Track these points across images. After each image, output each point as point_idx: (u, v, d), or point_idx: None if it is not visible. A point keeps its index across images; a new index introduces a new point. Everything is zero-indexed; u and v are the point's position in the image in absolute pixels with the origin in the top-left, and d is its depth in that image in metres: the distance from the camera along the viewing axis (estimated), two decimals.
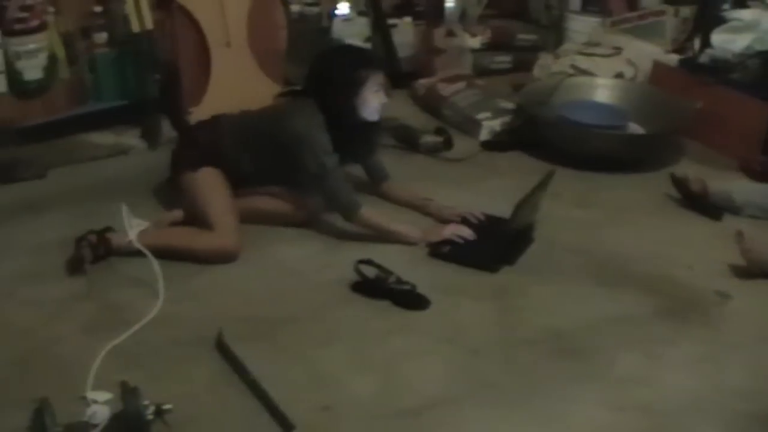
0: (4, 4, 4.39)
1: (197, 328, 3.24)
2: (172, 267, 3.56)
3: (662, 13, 5.80)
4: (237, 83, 4.94)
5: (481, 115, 5.03)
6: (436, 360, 3.13)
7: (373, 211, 3.85)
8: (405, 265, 3.59)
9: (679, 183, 4.21)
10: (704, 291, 3.57)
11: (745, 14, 4.87)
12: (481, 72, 5.80)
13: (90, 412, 2.64)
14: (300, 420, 2.77)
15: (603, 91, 5.14)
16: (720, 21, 4.93)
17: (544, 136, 4.75)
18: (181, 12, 4.86)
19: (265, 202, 3.92)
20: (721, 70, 4.83)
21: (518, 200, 3.63)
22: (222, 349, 3.13)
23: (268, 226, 3.91)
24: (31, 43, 4.49)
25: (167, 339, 3.20)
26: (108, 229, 3.70)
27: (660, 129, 4.77)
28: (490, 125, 4.96)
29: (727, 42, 4.83)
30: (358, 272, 3.49)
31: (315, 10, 5.61)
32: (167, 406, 2.69)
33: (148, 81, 4.79)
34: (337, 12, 5.62)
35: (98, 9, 4.74)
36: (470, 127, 5.01)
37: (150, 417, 2.66)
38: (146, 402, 2.66)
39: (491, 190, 4.33)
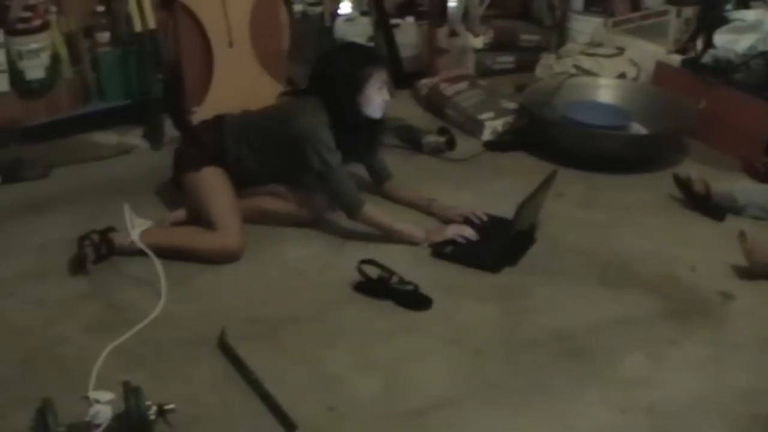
0: (7, 3, 4.39)
1: (200, 328, 3.24)
2: (175, 267, 3.56)
3: (665, 13, 5.79)
4: (240, 83, 4.95)
5: (483, 116, 5.02)
6: (440, 360, 3.13)
7: (376, 210, 3.85)
8: (409, 265, 3.59)
9: (682, 183, 4.21)
10: (707, 292, 3.56)
11: (748, 14, 4.86)
12: (484, 72, 5.80)
13: (92, 412, 2.64)
14: (304, 420, 2.78)
15: (606, 91, 5.14)
16: (723, 21, 4.92)
17: (547, 137, 4.75)
18: (184, 12, 4.86)
19: (268, 202, 3.92)
20: (723, 70, 4.82)
21: (521, 201, 3.63)
22: (224, 349, 3.13)
23: (271, 226, 3.91)
24: (33, 42, 4.49)
25: (170, 339, 3.20)
26: (110, 228, 3.70)
27: (663, 129, 4.77)
28: (493, 125, 4.96)
29: (730, 42, 4.82)
30: (361, 272, 3.48)
31: (318, 9, 5.60)
32: (169, 406, 2.70)
33: (151, 81, 4.79)
34: (339, 12, 5.61)
35: (101, 8, 4.74)
36: (473, 127, 5.01)
37: (152, 417, 2.66)
38: (148, 402, 2.66)
39: (494, 190, 4.33)
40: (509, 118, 5.00)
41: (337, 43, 5.29)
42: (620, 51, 5.52)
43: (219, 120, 4.00)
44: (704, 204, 4.14)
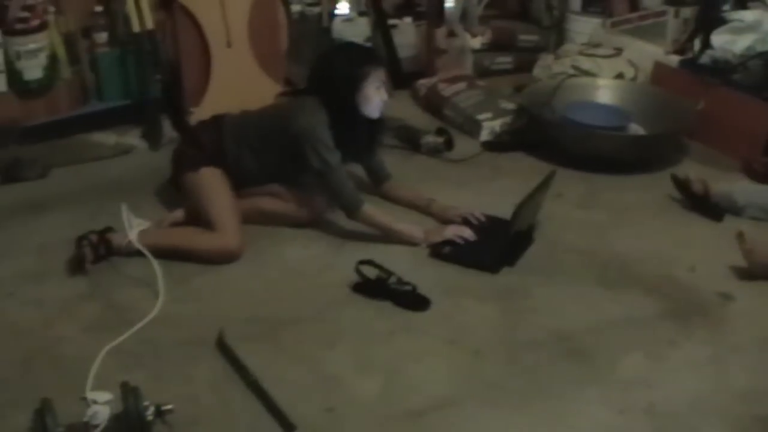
0: (6, 3, 4.39)
1: (199, 329, 3.24)
2: (174, 267, 3.57)
3: (663, 13, 5.79)
4: (238, 83, 4.95)
5: (482, 116, 5.02)
6: (439, 361, 3.13)
7: (376, 209, 3.85)
8: (408, 265, 3.59)
9: (681, 184, 4.21)
10: (706, 292, 3.56)
11: (746, 15, 4.86)
12: (482, 72, 5.80)
13: (90, 413, 2.64)
14: (303, 421, 2.77)
15: (604, 91, 5.14)
16: (721, 22, 4.92)
17: (546, 137, 4.75)
18: (183, 12, 4.86)
19: (267, 202, 3.92)
20: (721, 70, 4.82)
21: (519, 201, 3.63)
22: (223, 349, 3.12)
23: (271, 227, 3.91)
24: (31, 42, 4.50)
25: (169, 339, 3.20)
26: (109, 229, 3.70)
27: (661, 130, 4.77)
28: (491, 126, 4.96)
29: (728, 43, 4.82)
30: (359, 273, 3.48)
31: (316, 10, 5.61)
32: (168, 407, 2.70)
33: (150, 81, 4.79)
34: (337, 12, 5.61)
35: (99, 9, 4.75)
36: (471, 127, 5.01)
37: (150, 418, 2.66)
38: (147, 403, 2.66)
39: (492, 190, 4.33)
40: (508, 119, 5.00)
41: (336, 44, 5.30)
42: (618, 51, 5.52)
43: (218, 120, 4.00)
44: (703, 204, 4.13)
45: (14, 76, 4.52)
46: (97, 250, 3.62)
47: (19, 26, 4.44)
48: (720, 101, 4.72)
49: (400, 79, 5.51)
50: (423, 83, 5.49)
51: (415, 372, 3.07)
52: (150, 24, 4.70)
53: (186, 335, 3.23)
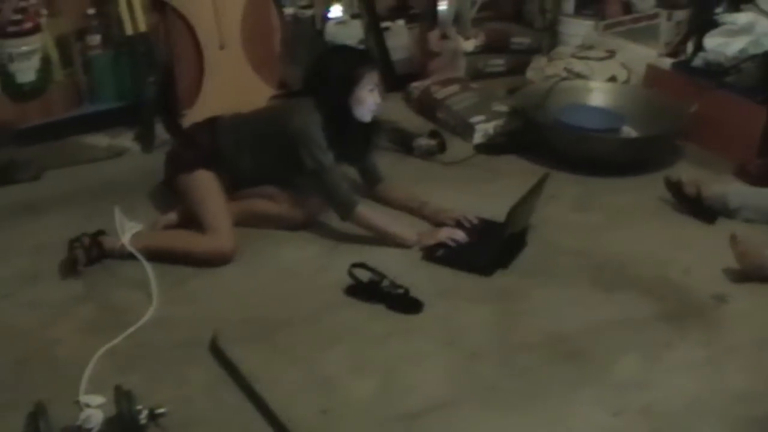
0: None
1: (193, 331, 3.24)
2: (168, 269, 3.57)
3: (656, 16, 5.80)
4: (231, 86, 4.94)
5: (475, 119, 5.02)
6: (435, 363, 3.13)
7: (370, 211, 3.85)
8: (401, 268, 3.59)
9: (673, 186, 4.21)
10: (701, 294, 3.56)
11: (739, 18, 4.86)
12: (476, 75, 5.80)
13: (83, 416, 2.64)
14: (298, 423, 2.77)
15: (597, 94, 5.14)
16: (714, 24, 4.92)
17: (539, 140, 4.75)
18: (175, 14, 4.84)
19: (261, 205, 3.92)
20: (714, 73, 4.83)
21: (513, 203, 3.63)
22: (216, 352, 3.12)
23: (265, 229, 3.90)
24: (24, 45, 4.50)
25: (163, 341, 3.20)
26: (101, 232, 3.70)
27: (655, 132, 4.77)
28: (484, 128, 4.96)
29: (721, 45, 4.83)
30: (352, 276, 3.48)
31: (309, 12, 5.60)
32: (161, 410, 2.70)
33: (143, 83, 4.78)
34: (330, 15, 5.61)
35: (92, 11, 4.74)
36: (464, 130, 5.00)
37: (144, 421, 2.66)
38: (140, 406, 2.66)
39: (486, 193, 4.33)
40: (501, 121, 5.00)
41: (329, 46, 5.30)
42: (611, 54, 5.53)
43: (212, 122, 4.01)
44: (695, 207, 4.13)
45: (7, 79, 4.52)
46: (90, 253, 3.61)
47: (11, 29, 4.44)
48: (713, 104, 4.72)
49: (393, 81, 5.50)
50: (416, 86, 5.49)
51: (411, 374, 3.06)
52: (143, 26, 4.69)
53: (180, 337, 3.22)
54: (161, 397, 2.78)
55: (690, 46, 5.10)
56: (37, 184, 4.40)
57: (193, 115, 4.67)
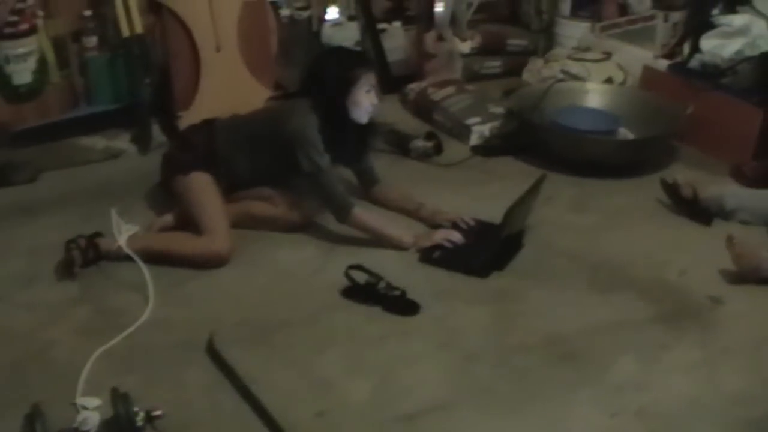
0: None
1: (190, 333, 3.24)
2: (164, 271, 3.57)
3: (652, 18, 5.81)
4: (227, 87, 4.94)
5: (471, 120, 5.02)
6: (432, 365, 3.13)
7: (366, 213, 3.85)
8: (397, 270, 3.59)
9: (669, 188, 4.21)
10: (697, 296, 3.56)
11: (735, 19, 4.87)
12: (472, 77, 5.80)
13: (80, 419, 2.64)
14: (295, 425, 2.77)
15: (593, 95, 5.14)
16: (710, 26, 4.93)
17: (535, 141, 4.75)
18: (172, 16, 4.84)
19: (258, 206, 3.92)
20: (710, 75, 4.83)
21: (509, 205, 3.63)
22: (213, 354, 3.12)
23: (261, 231, 3.90)
24: (20, 47, 4.48)
25: (160, 343, 3.19)
26: (97, 234, 3.69)
27: (651, 134, 4.77)
28: (481, 130, 4.96)
29: (717, 47, 4.83)
30: (349, 278, 3.48)
31: (305, 14, 5.60)
32: (157, 413, 2.69)
33: (139, 85, 4.78)
34: (327, 16, 5.61)
35: (88, 13, 4.73)
36: (460, 131, 5.00)
37: (140, 423, 2.66)
38: (136, 408, 2.66)
39: (482, 194, 4.33)
40: (497, 123, 5.00)
41: (326, 48, 5.30)
42: (608, 55, 5.53)
43: (208, 123, 4.01)
44: (692, 208, 4.14)
45: (3, 80, 4.51)
46: (86, 254, 3.61)
47: (8, 30, 4.43)
48: (709, 105, 4.72)
49: (390, 83, 5.51)
50: (412, 87, 5.49)
51: (407, 376, 3.06)
52: (139, 28, 4.69)
53: (177, 339, 3.22)
54: (158, 399, 2.78)
55: (686, 48, 5.10)
56: (34, 185, 4.39)
57: (190, 117, 4.66)
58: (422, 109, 5.33)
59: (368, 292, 3.44)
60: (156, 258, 3.61)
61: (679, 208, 4.18)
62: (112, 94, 4.88)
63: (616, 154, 4.72)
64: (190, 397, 2.94)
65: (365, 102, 3.82)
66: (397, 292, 3.44)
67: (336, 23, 5.60)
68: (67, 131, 4.73)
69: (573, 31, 5.91)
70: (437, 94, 5.30)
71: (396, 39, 5.80)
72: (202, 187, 3.80)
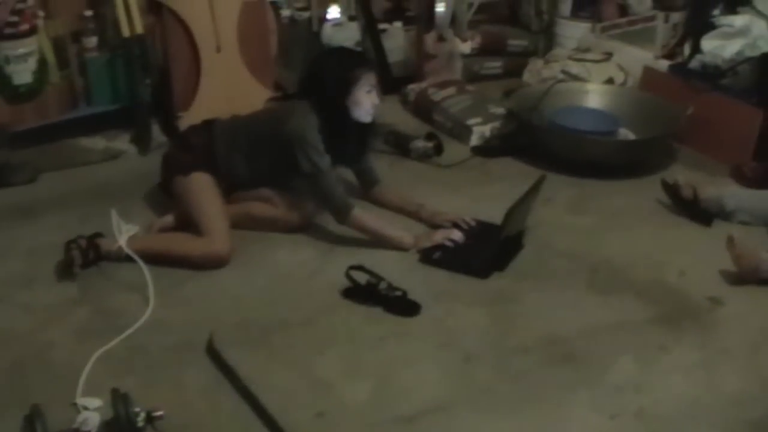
0: None
1: (190, 333, 3.24)
2: (164, 272, 3.56)
3: (653, 18, 5.81)
4: (227, 88, 4.94)
5: (471, 121, 5.02)
6: (431, 366, 3.12)
7: (366, 214, 3.85)
8: (398, 271, 3.59)
9: (670, 189, 4.21)
10: (696, 297, 3.56)
11: (736, 20, 4.86)
12: (472, 77, 5.81)
13: (80, 419, 2.64)
14: (294, 426, 2.77)
15: (593, 96, 5.14)
16: (710, 27, 4.93)
17: (536, 142, 4.75)
18: (172, 16, 4.84)
19: (258, 208, 3.92)
20: (711, 75, 4.83)
21: (509, 206, 3.62)
22: (212, 354, 3.12)
23: (261, 232, 3.90)
24: (21, 47, 4.48)
25: (160, 344, 3.19)
26: (98, 234, 3.69)
27: (651, 134, 4.77)
28: (481, 130, 4.96)
29: (718, 48, 4.83)
30: (349, 278, 3.48)
31: (305, 14, 5.60)
32: (158, 413, 2.70)
33: (139, 85, 4.78)
34: (327, 17, 5.61)
35: (89, 13, 4.73)
36: (461, 132, 5.01)
37: (141, 424, 2.66)
38: (137, 409, 2.66)
39: (482, 195, 4.33)
40: (497, 124, 5.00)
41: (325, 48, 5.30)
42: (608, 56, 5.53)
43: (208, 124, 4.00)
44: (692, 209, 4.14)
45: (3, 81, 4.50)
46: (86, 255, 3.61)
47: (8, 31, 4.42)
48: (709, 106, 4.73)
49: (390, 83, 5.51)
50: (412, 88, 5.49)
51: (406, 377, 3.06)
52: (139, 28, 4.69)
53: (177, 340, 3.22)
54: (158, 399, 2.77)
55: (686, 49, 5.10)
56: (33, 186, 4.39)
57: (190, 118, 4.67)
58: (422, 109, 5.33)
59: (369, 293, 3.44)
60: (156, 259, 3.61)
61: (679, 208, 4.18)
62: (111, 95, 4.87)
63: (616, 155, 4.72)
64: (190, 398, 2.94)
65: (366, 102, 3.82)
66: (398, 293, 3.44)
67: (336, 23, 5.60)
68: (67, 132, 4.73)
69: (573, 31, 5.91)
70: (437, 95, 5.30)
71: (396, 39, 5.80)
72: (201, 187, 3.80)
